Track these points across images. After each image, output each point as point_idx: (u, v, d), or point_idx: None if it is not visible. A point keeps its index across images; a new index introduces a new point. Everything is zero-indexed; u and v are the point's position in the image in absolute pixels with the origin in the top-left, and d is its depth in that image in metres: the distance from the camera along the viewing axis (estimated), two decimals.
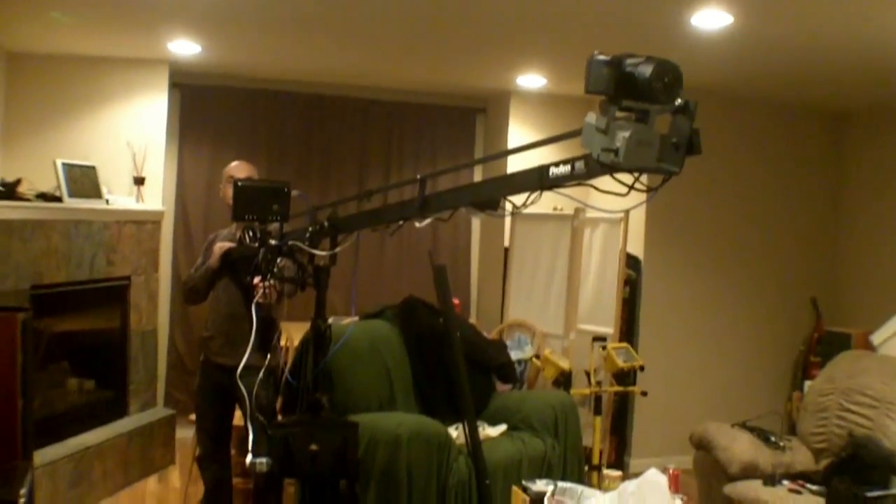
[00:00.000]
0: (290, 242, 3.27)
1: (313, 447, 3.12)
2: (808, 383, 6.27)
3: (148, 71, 6.78)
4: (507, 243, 7.34)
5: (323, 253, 3.13)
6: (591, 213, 6.85)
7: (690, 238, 7.18)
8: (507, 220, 7.30)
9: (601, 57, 1.95)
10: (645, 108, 1.91)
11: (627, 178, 2.13)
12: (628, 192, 2.17)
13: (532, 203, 2.49)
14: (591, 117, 1.97)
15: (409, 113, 8.02)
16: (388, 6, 4.97)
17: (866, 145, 7.53)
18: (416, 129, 8.05)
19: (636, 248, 6.95)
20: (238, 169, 4.85)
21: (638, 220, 6.89)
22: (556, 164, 2.16)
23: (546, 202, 7.41)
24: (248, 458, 3.12)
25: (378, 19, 5.28)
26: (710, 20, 4.80)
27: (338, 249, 3.12)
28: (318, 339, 3.29)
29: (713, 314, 7.28)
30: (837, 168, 7.76)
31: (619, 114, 1.93)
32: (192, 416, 6.05)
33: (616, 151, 1.89)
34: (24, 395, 4.15)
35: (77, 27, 5.66)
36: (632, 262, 6.89)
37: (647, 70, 1.88)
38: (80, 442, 5.63)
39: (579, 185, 2.19)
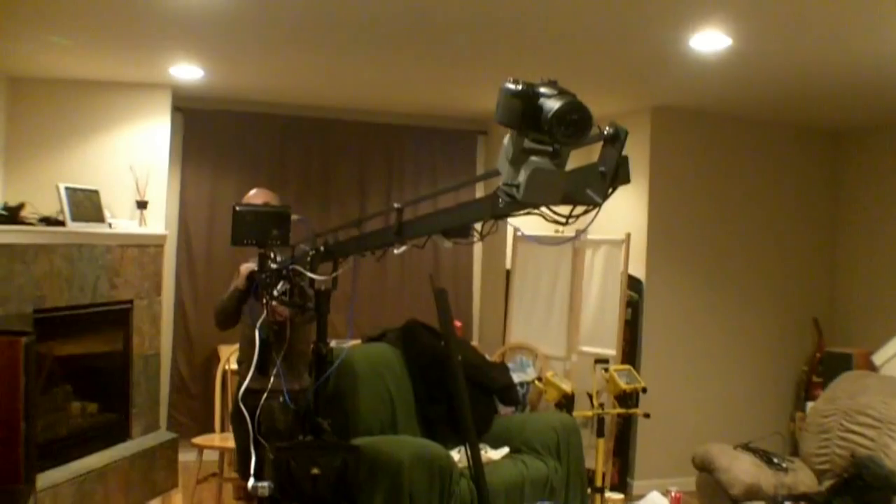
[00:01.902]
0: (290, 266, 3.28)
1: (315, 471, 3.12)
2: (810, 404, 6.27)
3: (150, 95, 6.80)
4: (508, 265, 7.35)
5: (321, 277, 3.15)
6: (591, 235, 6.87)
7: (692, 259, 7.18)
8: (509, 242, 7.31)
9: (511, 86, 1.88)
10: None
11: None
12: (567, 223, 2.13)
13: (489, 233, 2.47)
14: (507, 141, 1.93)
15: (410, 135, 8.04)
16: (388, 30, 4.99)
17: (864, 163, 7.54)
18: (417, 152, 8.07)
19: (638, 269, 6.95)
20: (256, 196, 4.81)
21: (639, 241, 6.89)
22: None
23: (548, 225, 7.42)
24: (250, 482, 3.12)
25: (378, 42, 5.30)
26: (709, 43, 4.82)
27: (335, 274, 3.14)
28: (319, 362, 3.29)
29: (715, 335, 7.27)
30: (836, 186, 7.77)
31: (529, 144, 1.88)
32: (195, 440, 6.06)
33: (518, 187, 1.85)
34: (26, 419, 4.15)
35: (78, 51, 5.69)
36: (633, 283, 6.89)
37: (552, 108, 1.82)
38: (83, 465, 5.61)
39: (529, 213, 2.16)
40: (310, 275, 3.15)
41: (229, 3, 4.50)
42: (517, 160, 1.88)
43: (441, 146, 8.14)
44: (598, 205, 2.01)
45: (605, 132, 1.98)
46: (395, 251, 2.76)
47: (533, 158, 1.87)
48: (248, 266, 4.38)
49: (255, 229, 3.29)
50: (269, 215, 3.33)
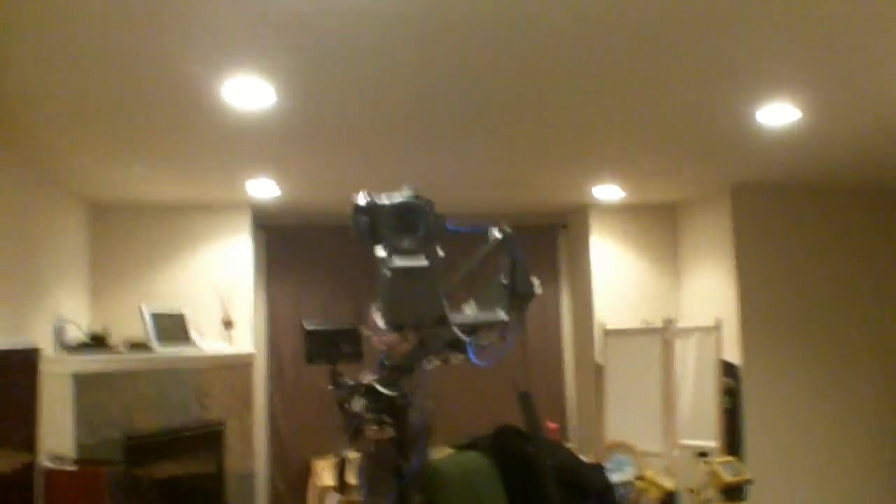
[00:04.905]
0: (364, 382, 3.22)
1: None
2: None
3: (231, 215, 6.92)
4: (599, 359, 7.20)
5: (391, 392, 3.07)
6: (682, 324, 6.71)
7: (789, 337, 6.92)
8: (597, 336, 7.17)
9: (359, 201, 1.78)
10: (413, 249, 1.75)
11: None
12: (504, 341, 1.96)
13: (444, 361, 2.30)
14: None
15: (482, 231, 7.97)
16: (457, 131, 5.02)
17: None
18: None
19: (733, 354, 6.72)
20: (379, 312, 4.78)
21: (731, 325, 6.69)
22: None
23: (636, 316, 7.28)
24: None
25: (449, 144, 5.33)
26: (778, 116, 4.74)
27: (407, 389, 3.06)
28: (400, 480, 3.21)
29: (824, 415, 6.94)
30: None
31: (400, 262, 1.76)
32: None
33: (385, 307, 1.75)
34: None
35: (155, 177, 5.82)
36: (729, 369, 6.67)
37: (382, 208, 1.71)
38: None
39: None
40: (381, 389, 3.08)
41: (299, 119, 4.61)
42: (382, 280, 1.78)
43: (522, 243, 8.05)
44: (504, 322, 1.86)
45: (490, 236, 1.86)
46: (427, 365, 2.69)
47: (389, 274, 1.76)
48: (366, 378, 4.35)
49: (326, 347, 3.27)
50: (338, 333, 3.30)
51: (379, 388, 3.14)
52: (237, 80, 3.96)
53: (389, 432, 3.38)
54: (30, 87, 3.97)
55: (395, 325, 1.83)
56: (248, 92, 4.11)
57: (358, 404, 3.34)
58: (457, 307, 2.14)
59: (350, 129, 4.99)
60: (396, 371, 3.11)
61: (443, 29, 3.56)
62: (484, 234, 1.88)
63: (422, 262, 1.81)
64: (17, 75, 3.80)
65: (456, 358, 2.38)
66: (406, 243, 1.79)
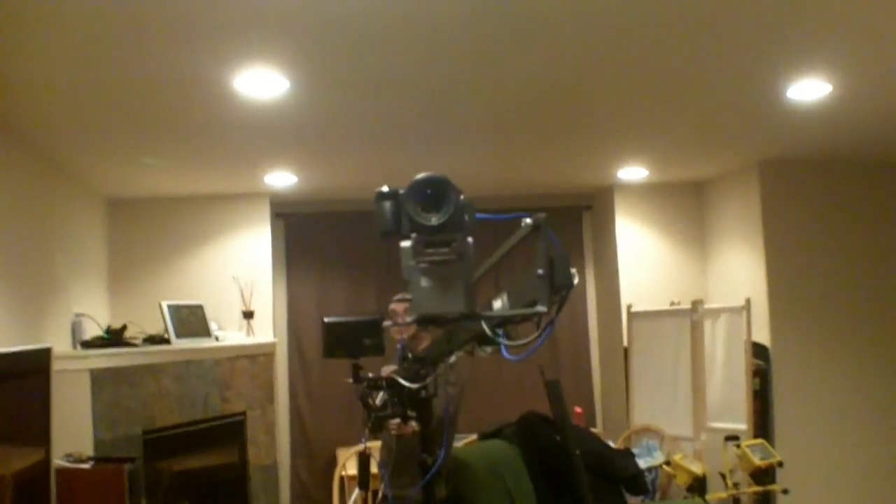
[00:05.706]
0: (385, 376, 3.13)
1: None
2: None
3: (248, 205, 6.85)
4: (625, 343, 7.07)
5: (413, 385, 2.97)
6: (710, 304, 6.58)
7: (820, 318, 6.76)
8: (624, 318, 7.05)
9: (382, 189, 1.70)
10: (441, 239, 1.66)
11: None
12: (539, 336, 1.85)
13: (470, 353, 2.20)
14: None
15: (513, 219, 7.88)
16: (480, 113, 4.93)
17: None
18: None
19: (762, 335, 6.59)
20: (400, 303, 4.66)
21: (760, 306, 6.55)
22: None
23: (663, 297, 7.14)
24: None
25: (472, 127, 5.24)
26: (808, 91, 4.62)
27: (427, 381, 2.95)
28: (424, 474, 3.11)
29: (853, 398, 6.79)
30: None
31: (425, 258, 1.69)
32: None
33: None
34: None
35: (171, 169, 5.77)
36: (759, 351, 6.54)
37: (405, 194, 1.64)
38: None
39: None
40: (403, 382, 2.99)
41: (313, 109, 4.56)
42: (409, 271, 1.69)
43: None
44: (542, 316, 1.75)
45: (523, 225, 1.75)
46: (450, 360, 2.59)
47: (420, 265, 1.67)
48: (388, 370, 4.27)
49: (346, 341, 3.16)
50: (359, 325, 3.19)
51: (401, 381, 3.05)
52: (249, 72, 3.89)
53: (412, 426, 3.29)
54: (42, 85, 3.92)
55: (422, 319, 1.73)
56: (260, 82, 4.03)
57: (380, 398, 3.25)
58: (487, 300, 2.03)
59: (367, 119, 4.92)
60: (419, 363, 3.02)
61: (458, 23, 3.47)
62: (516, 223, 1.77)
63: (450, 253, 1.72)
64: (29, 71, 3.73)
65: (483, 351, 2.27)
66: (434, 220, 1.69)
